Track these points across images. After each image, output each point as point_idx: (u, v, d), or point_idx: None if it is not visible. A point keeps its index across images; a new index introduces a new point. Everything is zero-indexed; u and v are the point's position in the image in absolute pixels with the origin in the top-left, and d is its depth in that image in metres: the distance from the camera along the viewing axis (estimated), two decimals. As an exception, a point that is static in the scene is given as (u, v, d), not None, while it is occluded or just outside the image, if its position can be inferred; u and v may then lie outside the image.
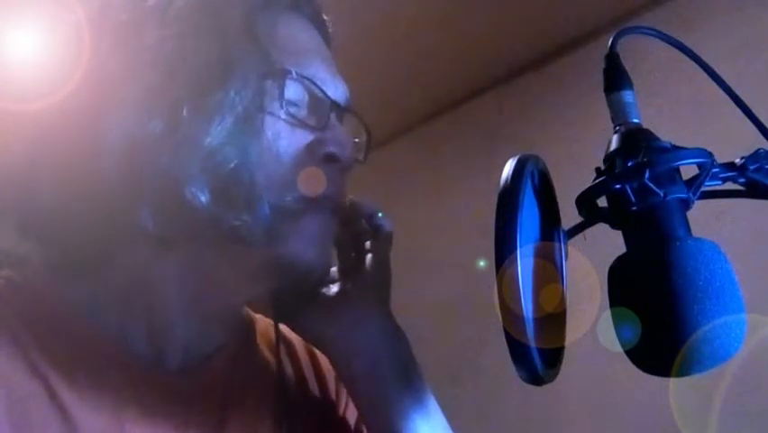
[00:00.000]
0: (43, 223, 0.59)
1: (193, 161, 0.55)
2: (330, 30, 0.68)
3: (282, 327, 0.70)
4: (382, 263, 0.66)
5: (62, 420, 0.54)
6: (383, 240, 0.67)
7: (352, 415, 0.72)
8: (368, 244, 0.67)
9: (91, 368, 0.57)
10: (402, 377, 0.63)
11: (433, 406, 0.64)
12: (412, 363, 0.65)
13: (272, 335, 0.70)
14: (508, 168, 0.49)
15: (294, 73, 0.60)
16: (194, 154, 0.55)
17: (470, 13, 1.87)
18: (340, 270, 0.66)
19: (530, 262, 0.47)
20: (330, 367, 0.71)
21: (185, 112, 0.55)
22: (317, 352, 0.73)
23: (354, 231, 0.66)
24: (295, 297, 0.64)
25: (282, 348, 0.71)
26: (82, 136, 0.55)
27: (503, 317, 0.45)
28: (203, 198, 0.55)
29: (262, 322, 0.72)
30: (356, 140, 0.66)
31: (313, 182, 0.59)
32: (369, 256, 0.66)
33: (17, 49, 0.57)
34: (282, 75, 0.60)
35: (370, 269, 0.65)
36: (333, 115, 0.63)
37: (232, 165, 0.56)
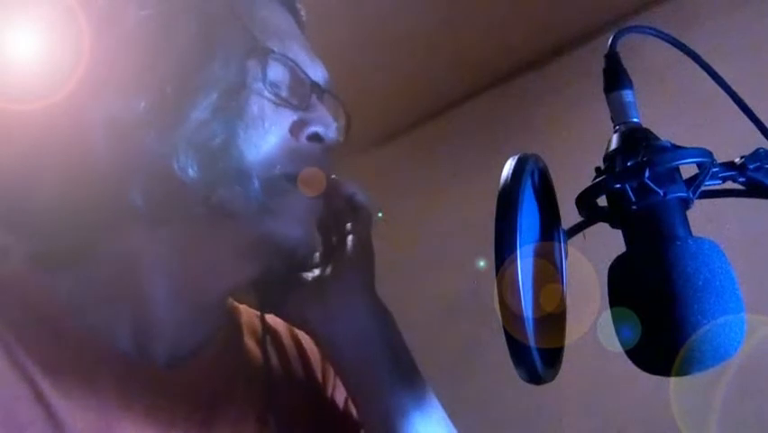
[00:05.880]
0: (32, 216, 0.58)
1: (179, 136, 0.55)
2: (303, 16, 0.69)
3: (267, 316, 0.70)
4: (364, 244, 0.66)
5: (48, 419, 0.54)
6: (363, 220, 0.67)
7: (340, 395, 0.72)
8: (348, 225, 0.67)
9: (77, 366, 0.57)
10: (390, 356, 0.64)
11: (421, 384, 0.64)
12: (399, 342, 0.65)
13: (257, 325, 0.71)
14: (508, 167, 0.49)
15: (277, 52, 0.61)
16: (180, 129, 0.55)
17: (470, 13, 1.87)
18: (322, 253, 0.67)
19: (530, 262, 0.47)
20: (315, 350, 0.72)
21: (169, 89, 0.55)
22: (302, 336, 0.73)
23: (334, 211, 0.66)
24: (279, 281, 0.65)
25: (267, 338, 0.71)
26: (69, 125, 0.55)
27: (503, 316, 0.45)
28: (191, 173, 0.55)
29: (247, 313, 0.72)
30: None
31: (299, 161, 0.60)
32: (350, 238, 0.66)
33: (10, 45, 0.57)
34: (265, 54, 0.61)
35: (352, 250, 0.66)
36: (314, 96, 0.64)
37: (219, 139, 0.57)
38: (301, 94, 0.63)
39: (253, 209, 0.58)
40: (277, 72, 0.61)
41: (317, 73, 0.65)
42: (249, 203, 0.57)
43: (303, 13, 0.69)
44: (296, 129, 0.62)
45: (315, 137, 0.62)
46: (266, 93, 0.60)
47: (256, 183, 0.58)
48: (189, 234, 0.59)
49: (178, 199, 0.57)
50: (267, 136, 0.59)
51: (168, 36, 0.56)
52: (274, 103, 0.61)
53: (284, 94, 0.62)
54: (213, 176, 0.56)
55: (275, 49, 0.61)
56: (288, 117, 0.62)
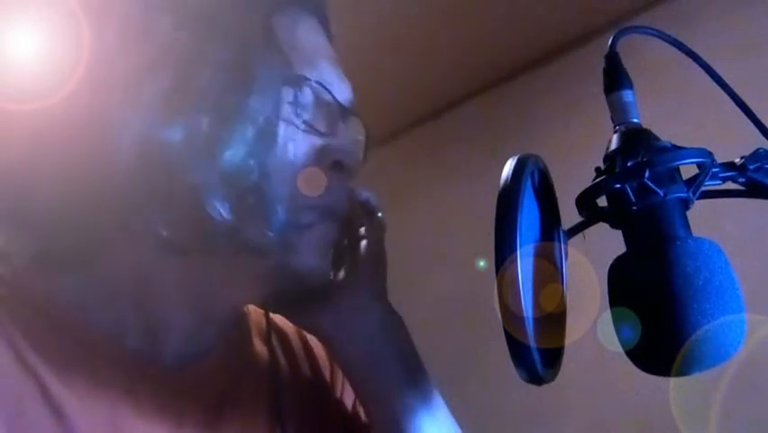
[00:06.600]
0: (39, 219, 0.57)
1: (213, 173, 0.54)
2: (332, 28, 0.68)
3: (275, 316, 0.70)
4: (377, 250, 0.66)
5: (56, 418, 0.53)
6: (377, 226, 0.67)
7: (349, 398, 0.72)
8: (362, 230, 0.67)
9: (84, 365, 0.57)
10: (399, 360, 0.64)
11: (430, 387, 0.64)
12: (410, 347, 0.65)
13: (265, 325, 0.71)
14: (508, 167, 0.49)
15: (312, 80, 0.60)
16: (214, 166, 0.54)
17: (470, 13, 1.87)
18: (334, 257, 0.66)
19: (530, 262, 0.47)
20: (323, 351, 0.72)
21: (204, 120, 0.54)
22: (310, 338, 0.73)
23: (348, 217, 0.66)
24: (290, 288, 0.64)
25: (275, 338, 0.71)
26: (84, 133, 0.54)
27: (503, 317, 0.45)
28: (223, 212, 0.54)
29: (255, 313, 0.72)
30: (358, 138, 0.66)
31: (318, 187, 0.59)
32: (363, 243, 0.66)
33: (15, 46, 0.56)
34: (300, 82, 0.59)
35: (365, 256, 0.66)
36: (339, 120, 0.63)
37: (252, 177, 0.55)
38: (328, 117, 0.61)
39: (276, 246, 0.57)
40: (307, 97, 0.60)
41: (344, 93, 0.63)
42: (272, 240, 0.56)
43: (331, 25, 0.67)
44: (320, 155, 0.60)
45: (339, 165, 0.61)
46: (298, 123, 0.59)
47: (282, 219, 0.56)
48: (205, 259, 0.58)
49: (203, 234, 0.55)
50: (293, 166, 0.58)
51: (203, 60, 0.54)
52: (303, 131, 0.59)
53: (311, 117, 0.60)
54: (242, 215, 0.55)
55: (308, 75, 0.60)
56: (314, 143, 0.60)
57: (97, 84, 0.54)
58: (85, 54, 0.54)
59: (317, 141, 0.60)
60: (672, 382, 1.32)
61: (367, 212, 0.67)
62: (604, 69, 0.53)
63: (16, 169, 0.57)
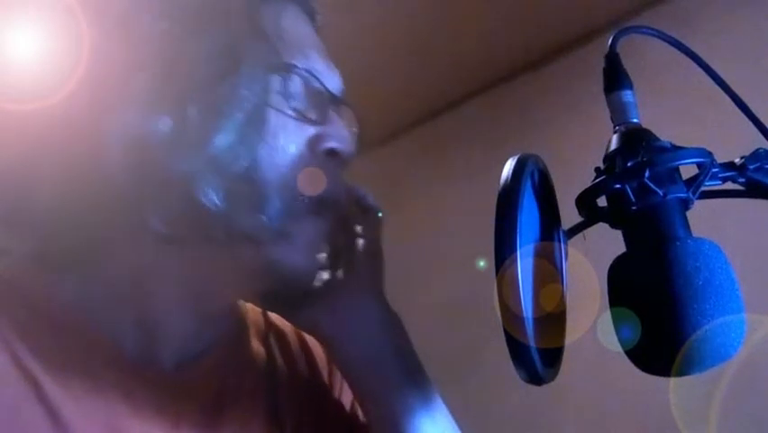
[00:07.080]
0: (39, 219, 0.57)
1: (203, 160, 0.54)
2: (318, 18, 0.68)
3: (272, 315, 0.70)
4: (374, 248, 0.66)
5: (52, 420, 0.53)
6: (374, 223, 0.67)
7: (347, 398, 0.72)
8: (358, 228, 0.66)
9: (81, 367, 0.56)
10: (397, 359, 0.63)
11: (428, 386, 0.64)
12: (408, 346, 0.65)
13: (263, 324, 0.71)
14: (508, 168, 0.49)
15: (300, 68, 0.60)
16: (205, 154, 0.54)
17: (470, 13, 1.87)
18: (331, 255, 0.66)
19: (530, 262, 0.47)
20: (321, 351, 0.72)
21: (193, 109, 0.54)
22: (308, 337, 0.73)
23: (344, 215, 0.66)
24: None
25: (272, 338, 0.71)
26: (82, 132, 0.54)
27: (503, 317, 0.45)
28: (216, 200, 0.54)
29: (253, 312, 0.72)
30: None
31: (316, 181, 0.59)
32: (360, 241, 0.66)
33: (15, 46, 0.56)
34: (288, 69, 0.60)
35: (362, 254, 0.65)
36: (331, 109, 0.63)
37: (243, 163, 0.55)
38: (319, 106, 0.62)
39: (271, 235, 0.57)
40: (297, 85, 0.60)
41: (334, 83, 0.64)
42: (268, 229, 0.57)
43: (319, 16, 0.68)
44: (313, 143, 0.60)
45: (332, 152, 0.61)
46: (287, 110, 0.59)
47: (277, 207, 0.57)
48: (201, 252, 0.58)
49: (198, 225, 0.56)
50: (286, 154, 0.58)
51: (190, 51, 0.55)
52: (294, 119, 0.60)
53: (302, 106, 0.60)
54: (236, 203, 0.55)
55: (297, 63, 0.60)
56: (306, 131, 0.60)
57: (96, 83, 0.54)
58: (84, 54, 0.54)
59: (309, 129, 0.61)
60: (672, 382, 1.32)
61: (363, 210, 0.67)
62: (604, 69, 0.53)
63: (16, 169, 0.57)
